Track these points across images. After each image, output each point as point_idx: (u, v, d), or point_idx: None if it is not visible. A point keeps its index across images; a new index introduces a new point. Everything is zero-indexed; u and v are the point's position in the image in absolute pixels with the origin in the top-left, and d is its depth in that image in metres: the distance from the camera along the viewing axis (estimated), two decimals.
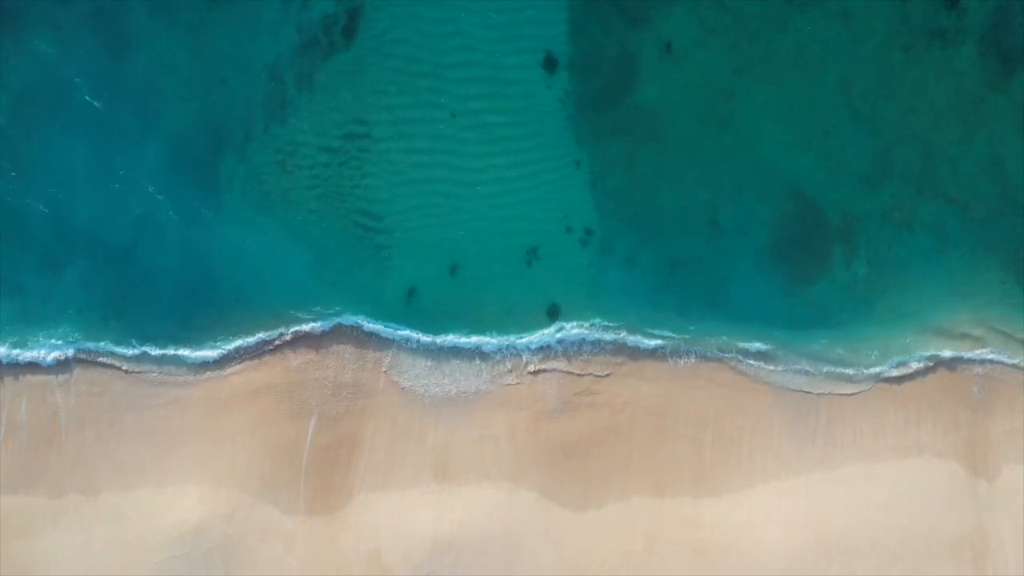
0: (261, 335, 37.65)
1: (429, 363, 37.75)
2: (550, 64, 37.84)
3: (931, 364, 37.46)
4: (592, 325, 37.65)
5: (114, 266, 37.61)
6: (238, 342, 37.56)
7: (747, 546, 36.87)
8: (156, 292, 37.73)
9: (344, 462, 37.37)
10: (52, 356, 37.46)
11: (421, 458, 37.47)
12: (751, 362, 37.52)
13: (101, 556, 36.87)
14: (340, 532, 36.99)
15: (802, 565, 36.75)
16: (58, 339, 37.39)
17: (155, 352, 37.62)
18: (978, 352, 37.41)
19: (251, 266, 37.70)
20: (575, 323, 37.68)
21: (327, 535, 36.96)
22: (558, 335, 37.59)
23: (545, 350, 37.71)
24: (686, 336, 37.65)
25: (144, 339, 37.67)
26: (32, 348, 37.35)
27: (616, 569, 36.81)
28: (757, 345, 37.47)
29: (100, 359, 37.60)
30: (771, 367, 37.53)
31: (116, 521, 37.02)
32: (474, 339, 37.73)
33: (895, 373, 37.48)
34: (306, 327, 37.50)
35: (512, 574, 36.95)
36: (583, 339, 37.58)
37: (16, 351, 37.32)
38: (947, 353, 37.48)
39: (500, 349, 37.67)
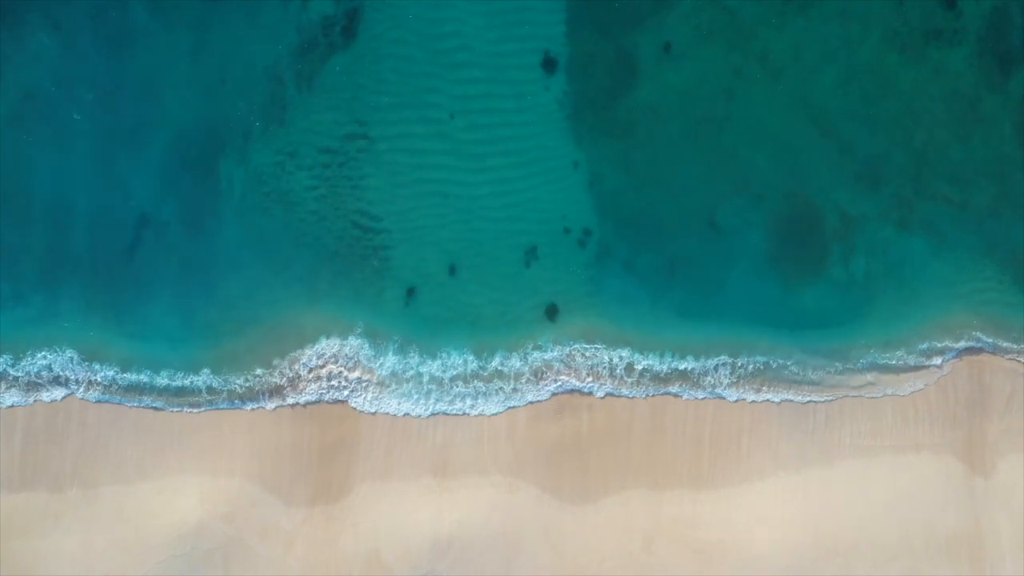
0: (259, 371, 37.45)
1: (428, 365, 37.61)
2: (549, 65, 37.89)
3: (929, 363, 37.51)
4: (594, 343, 37.46)
5: (113, 268, 37.51)
6: (239, 380, 37.28)
7: (745, 545, 36.94)
8: (155, 292, 37.64)
9: (344, 462, 37.39)
10: (51, 368, 37.24)
11: (421, 458, 37.50)
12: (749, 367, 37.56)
13: (101, 556, 36.87)
14: (340, 532, 37.04)
15: (800, 564, 36.82)
16: (56, 348, 37.17)
17: (149, 379, 37.33)
18: (975, 351, 37.47)
19: (251, 266, 37.67)
20: (577, 345, 37.48)
21: (327, 535, 37.00)
22: (559, 350, 37.41)
23: (546, 364, 37.61)
24: (684, 344, 37.61)
25: (143, 340, 37.49)
26: (31, 357, 37.12)
27: (615, 568, 36.87)
28: (755, 353, 37.41)
29: (99, 366, 37.44)
30: (769, 371, 37.49)
31: (117, 521, 37.02)
32: (473, 350, 37.60)
33: (893, 372, 37.53)
34: (306, 357, 37.33)
35: (511, 573, 37.00)
36: (584, 352, 37.48)
37: (16, 361, 37.14)
38: (944, 352, 37.54)
39: (501, 362, 37.56)
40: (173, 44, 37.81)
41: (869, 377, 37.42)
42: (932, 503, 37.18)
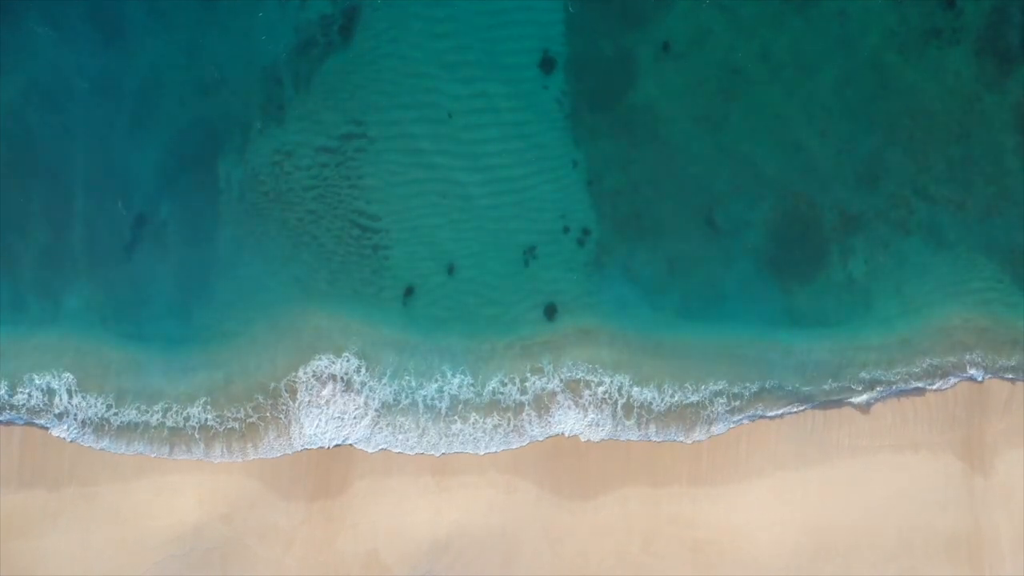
0: (259, 399, 37.15)
1: (426, 389, 37.39)
2: (547, 64, 37.86)
3: (928, 363, 37.47)
4: (594, 362, 37.29)
5: (110, 267, 37.47)
6: (238, 414, 36.93)
7: (744, 546, 36.95)
8: (152, 292, 37.61)
9: (343, 462, 37.38)
10: (49, 395, 37.02)
11: (420, 458, 37.48)
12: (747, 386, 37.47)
13: (100, 556, 36.86)
14: (338, 532, 37.03)
15: (799, 565, 36.84)
16: (53, 371, 36.92)
17: (144, 416, 37.06)
18: (975, 350, 37.44)
19: (249, 266, 37.63)
20: (576, 365, 37.27)
21: (325, 535, 37.00)
22: (559, 376, 37.21)
23: (547, 395, 37.41)
24: (683, 344, 37.44)
25: (140, 341, 37.35)
26: (30, 381, 36.82)
27: (613, 569, 36.88)
28: (752, 377, 37.26)
29: (94, 398, 37.17)
30: (764, 393, 37.34)
31: (115, 521, 37.01)
32: (470, 366, 37.37)
33: (893, 371, 37.50)
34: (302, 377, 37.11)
35: (510, 573, 37.01)
36: (587, 380, 37.28)
37: (12, 392, 36.85)
38: (944, 351, 37.51)
39: (498, 388, 37.34)
40: (171, 43, 37.78)
41: (872, 381, 37.32)
42: (931, 503, 37.20)
